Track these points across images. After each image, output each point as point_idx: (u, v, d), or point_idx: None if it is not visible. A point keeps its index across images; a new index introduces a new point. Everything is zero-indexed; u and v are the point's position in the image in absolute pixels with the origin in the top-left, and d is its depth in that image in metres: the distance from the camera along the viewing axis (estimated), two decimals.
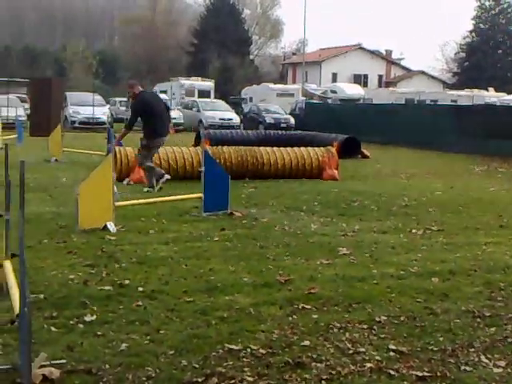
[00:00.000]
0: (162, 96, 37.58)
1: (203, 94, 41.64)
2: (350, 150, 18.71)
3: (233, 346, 4.06)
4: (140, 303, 4.85)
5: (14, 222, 4.87)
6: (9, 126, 24.80)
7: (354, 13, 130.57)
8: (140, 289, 5.21)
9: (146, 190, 10.85)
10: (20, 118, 26.46)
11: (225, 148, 13.48)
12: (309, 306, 4.86)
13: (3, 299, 4.69)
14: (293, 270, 5.88)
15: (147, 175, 11.08)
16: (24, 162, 3.63)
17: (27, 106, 33.36)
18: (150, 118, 10.67)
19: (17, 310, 3.55)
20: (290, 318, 4.62)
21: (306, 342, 4.15)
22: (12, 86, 39.19)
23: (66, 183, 11.46)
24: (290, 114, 34.98)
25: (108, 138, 14.71)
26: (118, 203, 7.79)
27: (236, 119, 34.31)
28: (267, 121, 32.92)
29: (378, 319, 4.62)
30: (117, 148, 11.78)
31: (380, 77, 64.57)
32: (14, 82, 40.53)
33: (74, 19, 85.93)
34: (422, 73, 64.33)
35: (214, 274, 5.73)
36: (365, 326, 4.48)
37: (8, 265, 4.60)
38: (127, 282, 5.37)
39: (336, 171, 13.57)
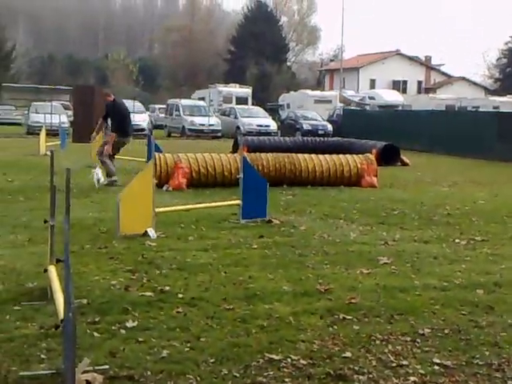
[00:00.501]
0: (200, 103, 38.12)
1: (241, 100, 41.77)
2: (389, 157, 18.49)
3: (273, 356, 4.02)
4: (180, 310, 4.84)
5: (58, 227, 4.93)
6: (52, 132, 25.26)
7: (393, 19, 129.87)
8: (180, 295, 5.20)
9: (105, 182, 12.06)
10: (63, 125, 26.91)
11: (263, 155, 13.45)
12: (350, 317, 4.79)
13: (47, 304, 4.75)
14: (332, 279, 5.81)
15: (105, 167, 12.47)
16: (70, 170, 3.65)
17: (70, 113, 33.93)
18: (124, 119, 12.91)
19: (61, 315, 3.56)
20: (331, 329, 4.55)
21: (348, 354, 4.08)
22: (56, 94, 39.97)
23: (108, 188, 11.56)
24: (328, 120, 34.82)
25: (148, 144, 14.92)
26: (157, 209, 7.81)
27: (273, 126, 34.31)
28: (304, 127, 32.81)
29: (421, 332, 4.52)
30: (156, 154, 11.85)
31: (419, 83, 63.86)
32: (57, 89, 41.26)
33: (116, 28, 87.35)
34: (463, 79, 63.40)
35: (252, 281, 5.70)
36: (408, 339, 4.38)
37: (53, 270, 4.65)
38: (167, 288, 5.37)
39: (375, 179, 13.42)
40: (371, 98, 45.14)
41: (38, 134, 21.81)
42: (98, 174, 12.17)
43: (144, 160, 14.90)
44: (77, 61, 68.07)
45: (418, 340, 4.36)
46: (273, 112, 40.39)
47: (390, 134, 24.62)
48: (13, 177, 13.08)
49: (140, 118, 33.58)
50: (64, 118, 30.82)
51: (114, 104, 12.92)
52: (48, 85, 46.21)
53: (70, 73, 62.85)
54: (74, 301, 3.24)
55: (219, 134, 33.64)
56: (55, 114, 31.09)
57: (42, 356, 3.93)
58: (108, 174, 12.39)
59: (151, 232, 7.50)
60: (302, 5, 76.03)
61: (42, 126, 23.24)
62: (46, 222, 4.91)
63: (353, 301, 5.15)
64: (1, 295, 5.10)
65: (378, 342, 4.32)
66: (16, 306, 4.80)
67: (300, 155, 13.65)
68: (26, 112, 37.04)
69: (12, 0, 64.60)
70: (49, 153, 16.70)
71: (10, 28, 62.80)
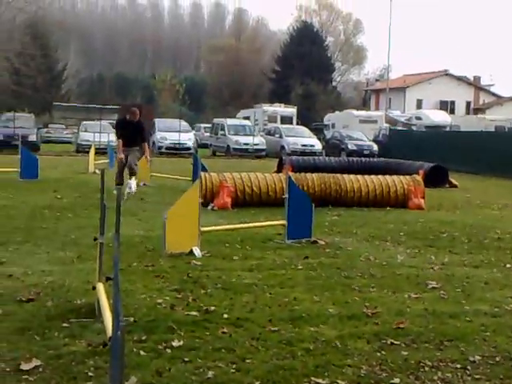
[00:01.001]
0: (245, 122, 38.39)
1: (286, 120, 41.87)
2: (436, 178, 18.18)
3: (319, 380, 3.97)
4: (225, 330, 4.83)
5: (105, 244, 5.01)
6: (101, 150, 25.69)
7: (441, 39, 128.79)
8: (225, 315, 5.20)
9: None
10: (112, 144, 27.34)
11: (308, 175, 13.43)
12: (398, 342, 4.70)
13: (95, 321, 4.80)
14: (379, 303, 5.72)
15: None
16: (120, 189, 3.70)
17: None
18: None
19: (109, 332, 3.59)
20: (379, 354, 4.47)
21: (396, 380, 4.00)
22: (104, 113, 40.81)
23: (154, 207, 11.68)
24: (373, 140, 34.59)
25: (194, 163, 15.07)
26: (203, 228, 7.85)
27: (318, 146, 34.26)
28: (350, 147, 32.67)
29: (471, 359, 4.40)
30: (202, 173, 11.96)
31: (468, 103, 62.95)
32: (106, 108, 42.09)
33: (163, 48, 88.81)
34: None
35: (298, 303, 5.66)
36: (458, 366, 4.28)
37: (101, 287, 4.70)
38: (213, 308, 5.38)
39: (422, 200, 13.23)
40: (418, 118, 44.67)
41: (87, 153, 22.25)
42: (132, 185, 13.06)
43: (189, 179, 15.07)
44: (125, 80, 69.37)
45: (469, 367, 4.25)
46: (318, 132, 40.34)
47: (437, 154, 24.31)
48: (62, 194, 13.35)
49: (186, 137, 34.01)
50: (112, 137, 31.32)
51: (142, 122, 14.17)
52: (97, 104, 47.21)
53: (118, 92, 64.08)
54: (123, 319, 3.26)
55: (264, 154, 33.74)
56: (104, 132, 31.68)
57: (90, 374, 3.96)
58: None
59: (197, 251, 7.53)
60: (348, 25, 76.12)
61: (91, 145, 23.69)
62: (95, 239, 4.99)
63: (401, 325, 5.05)
64: (50, 311, 5.17)
65: (427, 368, 4.22)
66: (64, 323, 4.86)
67: (345, 175, 13.58)
68: (76, 131, 37.95)
69: (64, 20, 66.27)
70: (98, 171, 17.15)
71: (63, 48, 64.49)
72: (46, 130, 43.48)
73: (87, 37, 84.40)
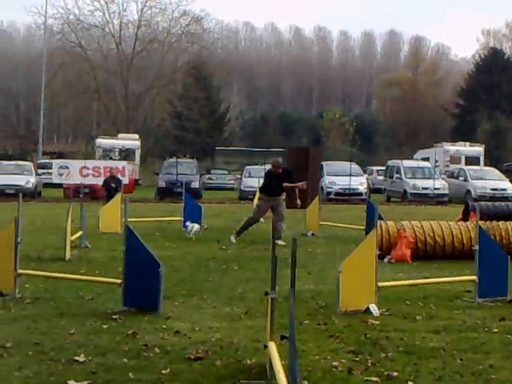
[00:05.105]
0: (424, 164, 37.72)
1: (471, 160, 40.69)
2: None
3: None
4: None
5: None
6: None
7: None
8: (410, 383, 5.12)
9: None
10: None
11: (500, 223, 12.94)
12: None
13: (267, 383, 4.93)
14: None
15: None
16: (296, 240, 3.83)
17: None
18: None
19: None
20: None
21: None
22: (269, 157, 42.03)
23: (325, 259, 11.81)
24: None
25: (367, 210, 15.06)
26: (380, 283, 7.81)
27: (511, 189, 32.84)
28: None
29: None
30: (378, 222, 11.93)
31: None
32: (270, 152, 43.31)
33: (331, 84, 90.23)
34: None
35: (494, 371, 5.45)
36: None
37: (273, 346, 4.82)
38: (395, 373, 5.32)
39: None
40: None
41: (251, 199, 22.85)
42: (194, 227, 14.93)
43: (362, 227, 15.05)
44: (290, 120, 71.04)
45: None
46: (510, 173, 38.68)
47: None
48: (227, 244, 13.89)
49: (357, 181, 34.03)
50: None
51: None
52: (260, 147, 48.72)
53: (283, 133, 65.72)
54: (300, 382, 3.35)
55: (446, 199, 32.92)
56: None
57: None
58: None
59: (374, 309, 7.50)
60: None
61: (255, 191, 24.27)
62: (266, 294, 5.14)
63: None
64: (219, 371, 5.36)
65: None
66: None
67: None
68: (239, 176, 39.26)
69: (226, 60, 69.61)
70: (262, 220, 17.56)
71: (225, 88, 67.57)
72: (208, 176, 45.31)
73: (250, 76, 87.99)
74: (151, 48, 60.37)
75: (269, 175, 14.98)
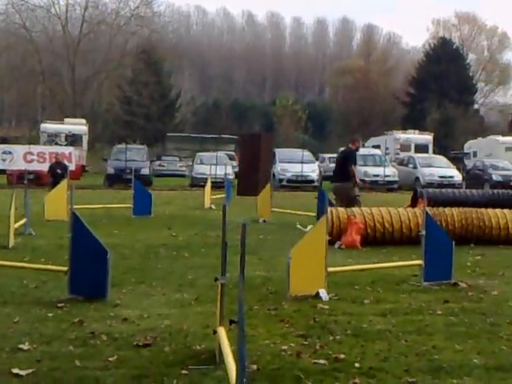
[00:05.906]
0: (375, 151, 38.17)
1: (420, 148, 41.38)
2: None
3: None
4: (357, 381, 4.87)
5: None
6: (217, 184, 26.19)
7: None
8: (356, 365, 5.24)
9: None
10: (229, 177, 27.90)
11: (446, 209, 13.22)
12: None
13: (216, 368, 4.99)
14: None
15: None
16: (246, 225, 3.89)
17: (235, 163, 35.25)
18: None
19: (233, 381, 3.74)
20: None
21: None
22: (221, 143, 41.96)
23: (275, 245, 11.91)
24: None
25: (318, 197, 15.22)
26: (330, 269, 7.94)
27: (458, 177, 33.59)
28: (494, 179, 31.90)
29: None
30: (328, 209, 12.07)
31: None
32: (222, 139, 43.18)
33: (284, 71, 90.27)
34: None
35: (438, 352, 5.61)
36: None
37: (222, 332, 4.88)
38: (342, 356, 5.43)
39: None
40: None
41: (203, 187, 22.74)
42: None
43: (314, 214, 15.21)
44: (243, 107, 70.97)
45: None
46: (457, 161, 39.47)
47: None
48: (177, 231, 13.88)
49: (309, 169, 34.26)
50: (229, 170, 31.78)
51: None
52: (212, 133, 48.54)
53: (235, 120, 65.62)
54: (248, 366, 3.41)
55: (395, 186, 33.44)
56: (220, 164, 32.33)
57: None
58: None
59: (323, 294, 7.61)
60: (493, 40, 74.35)
61: (206, 178, 24.23)
62: (216, 279, 5.19)
63: None
64: (168, 358, 5.36)
65: None
66: (183, 370, 5.01)
67: (490, 210, 13.25)
68: (191, 163, 39.08)
69: (178, 45, 68.76)
70: (213, 206, 17.68)
71: (176, 74, 66.81)
72: (158, 162, 44.98)
73: (202, 61, 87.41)
74: (99, 30, 59.26)
75: (355, 155, 15.80)
